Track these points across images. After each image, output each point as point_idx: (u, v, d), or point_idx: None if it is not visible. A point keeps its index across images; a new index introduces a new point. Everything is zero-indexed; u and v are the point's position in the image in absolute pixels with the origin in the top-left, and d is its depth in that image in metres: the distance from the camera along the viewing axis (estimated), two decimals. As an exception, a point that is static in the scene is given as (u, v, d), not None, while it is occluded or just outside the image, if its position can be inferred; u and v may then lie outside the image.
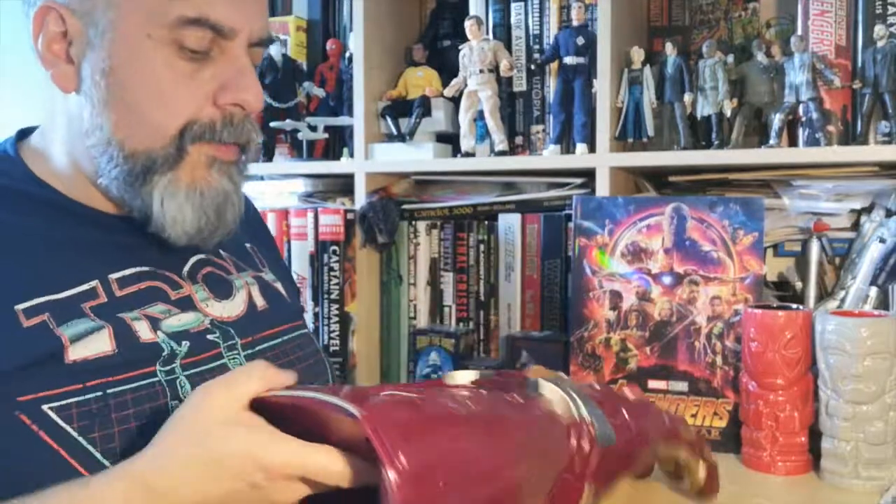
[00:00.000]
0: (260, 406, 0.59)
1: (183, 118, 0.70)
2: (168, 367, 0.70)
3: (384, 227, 1.42)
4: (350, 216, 1.42)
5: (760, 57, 1.23)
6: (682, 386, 1.06)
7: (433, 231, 1.45)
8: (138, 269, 0.73)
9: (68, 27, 0.70)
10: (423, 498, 0.50)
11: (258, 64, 0.76)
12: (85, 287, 0.69)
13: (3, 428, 0.61)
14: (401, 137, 1.43)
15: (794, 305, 0.99)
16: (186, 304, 0.75)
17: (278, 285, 0.88)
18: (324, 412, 0.55)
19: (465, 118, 1.38)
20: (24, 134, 0.79)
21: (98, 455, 0.63)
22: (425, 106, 1.42)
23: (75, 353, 0.65)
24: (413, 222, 1.46)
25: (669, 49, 1.28)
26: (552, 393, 0.67)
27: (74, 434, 0.63)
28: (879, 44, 1.15)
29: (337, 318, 1.40)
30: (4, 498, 0.57)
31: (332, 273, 1.40)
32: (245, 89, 0.72)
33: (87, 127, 0.71)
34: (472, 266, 1.43)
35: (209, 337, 0.74)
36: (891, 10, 1.17)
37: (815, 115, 1.17)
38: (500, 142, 1.36)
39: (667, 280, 1.08)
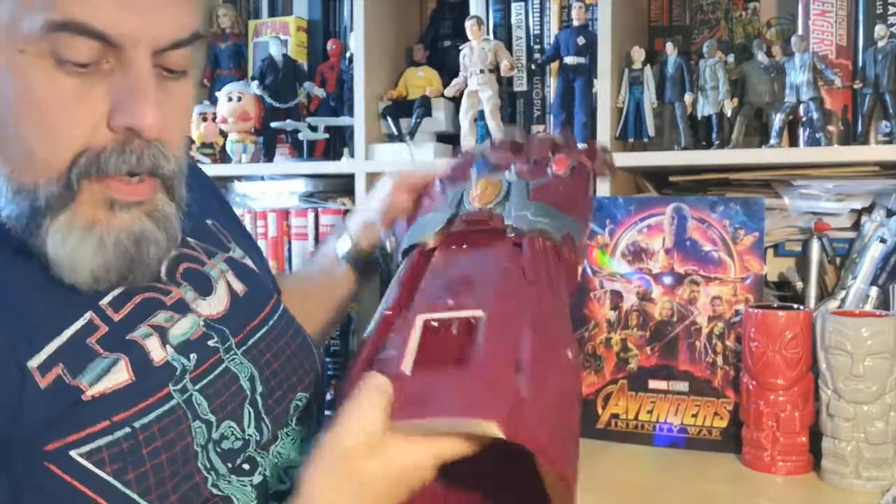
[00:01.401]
0: None
1: (73, 147, 0.59)
2: (180, 385, 0.66)
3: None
4: (351, 216, 1.42)
5: (761, 57, 1.23)
6: (683, 386, 1.06)
7: (434, 231, 1.45)
8: (120, 288, 0.67)
9: None
10: (563, 455, 0.52)
11: (183, 68, 0.65)
12: (81, 322, 0.63)
13: (35, 483, 0.58)
14: (401, 137, 1.43)
15: (795, 305, 0.99)
16: (182, 308, 0.71)
17: (248, 261, 0.82)
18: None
19: (465, 118, 1.38)
20: None
21: (136, 496, 0.60)
22: (426, 106, 1.42)
23: (94, 389, 0.61)
24: (414, 222, 1.46)
25: (670, 49, 1.28)
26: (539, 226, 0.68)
27: (110, 479, 0.59)
28: (880, 44, 1.15)
29: (337, 319, 1.40)
30: None
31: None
32: (137, 111, 0.59)
33: None
34: (473, 266, 1.42)
35: (209, 343, 0.71)
36: (891, 10, 1.17)
37: (815, 115, 1.17)
38: (500, 142, 1.36)
39: (667, 280, 1.08)
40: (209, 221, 0.82)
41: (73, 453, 0.58)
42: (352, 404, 0.55)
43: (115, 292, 0.67)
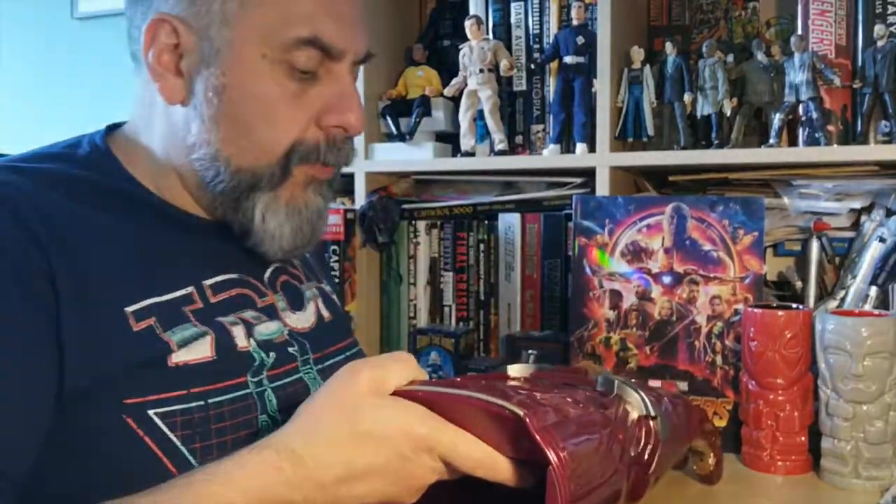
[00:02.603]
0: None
1: (290, 139, 0.71)
2: (257, 378, 0.70)
3: (384, 226, 1.42)
4: (350, 216, 1.42)
5: (760, 56, 1.23)
6: (683, 385, 1.06)
7: (433, 231, 1.45)
8: (228, 275, 0.74)
9: (181, 40, 0.70)
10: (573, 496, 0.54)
11: (356, 78, 0.78)
12: (183, 292, 0.69)
13: (110, 430, 0.61)
14: (401, 137, 1.43)
15: (795, 305, 0.99)
16: (271, 313, 0.76)
17: (335, 297, 0.89)
18: (460, 409, 0.58)
19: (465, 118, 1.38)
20: (111, 130, 0.79)
21: (196, 466, 0.62)
22: (425, 105, 1.42)
23: (179, 357, 0.65)
24: (413, 222, 1.46)
25: (669, 49, 1.28)
26: (629, 395, 0.70)
27: (177, 442, 0.63)
28: (879, 43, 1.15)
29: (337, 318, 1.41)
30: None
31: (332, 273, 1.40)
32: (348, 111, 0.73)
33: (194, 141, 0.71)
34: (472, 266, 1.43)
35: (289, 350, 0.75)
36: (891, 9, 1.17)
37: (815, 115, 1.17)
38: (499, 141, 1.36)
39: (667, 280, 1.08)
40: (307, 255, 0.89)
41: (150, 411, 0.63)
42: (380, 357, 0.62)
43: (219, 278, 0.73)
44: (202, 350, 0.67)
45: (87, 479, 0.61)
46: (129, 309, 0.65)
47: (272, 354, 0.72)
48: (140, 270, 0.68)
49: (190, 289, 0.70)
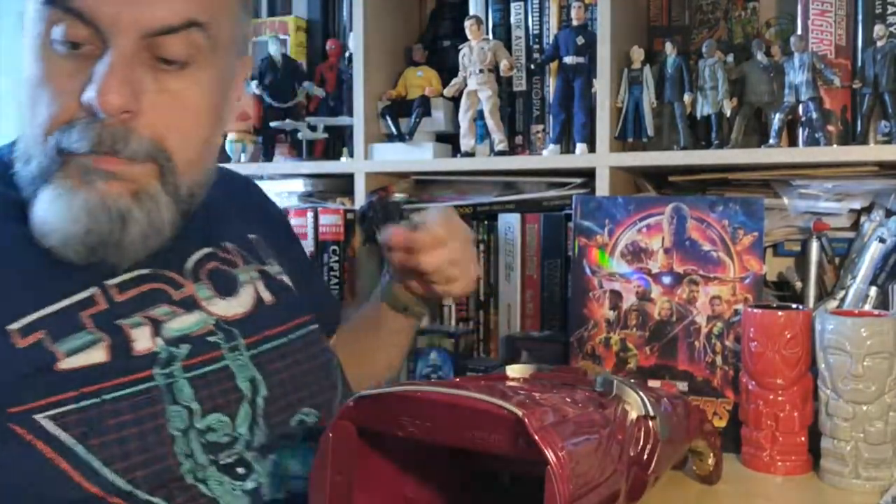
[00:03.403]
0: (378, 399, 0.60)
1: (47, 122, 0.64)
2: (167, 370, 0.68)
3: (384, 226, 1.41)
4: (350, 216, 1.42)
5: (760, 57, 1.23)
6: (682, 386, 1.06)
7: (433, 231, 1.45)
8: (137, 272, 0.71)
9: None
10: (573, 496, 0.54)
11: (182, 59, 0.67)
12: (83, 295, 0.67)
13: None
14: (401, 137, 1.43)
15: (794, 305, 0.99)
16: (190, 305, 0.73)
17: (284, 277, 0.86)
18: (460, 409, 0.58)
19: (464, 118, 1.38)
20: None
21: (98, 464, 0.61)
22: (425, 106, 1.42)
23: (68, 363, 0.63)
24: (413, 222, 1.46)
25: (669, 49, 1.28)
26: (629, 395, 0.70)
27: (71, 442, 0.61)
28: (879, 43, 1.15)
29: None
30: None
31: (331, 273, 1.40)
32: (99, 90, 0.62)
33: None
34: (472, 266, 1.43)
35: (210, 339, 0.73)
36: (891, 9, 1.17)
37: (814, 115, 1.17)
38: (499, 142, 1.36)
39: (667, 280, 1.08)
40: (252, 236, 0.86)
41: (38, 416, 0.61)
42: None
43: (129, 276, 0.70)
44: (95, 355, 0.65)
45: None
46: (13, 326, 0.62)
47: (185, 346, 0.70)
48: (33, 280, 0.66)
49: (92, 290, 0.67)
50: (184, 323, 0.71)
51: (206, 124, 0.72)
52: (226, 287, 0.78)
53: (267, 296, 0.81)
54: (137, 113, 0.65)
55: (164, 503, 0.64)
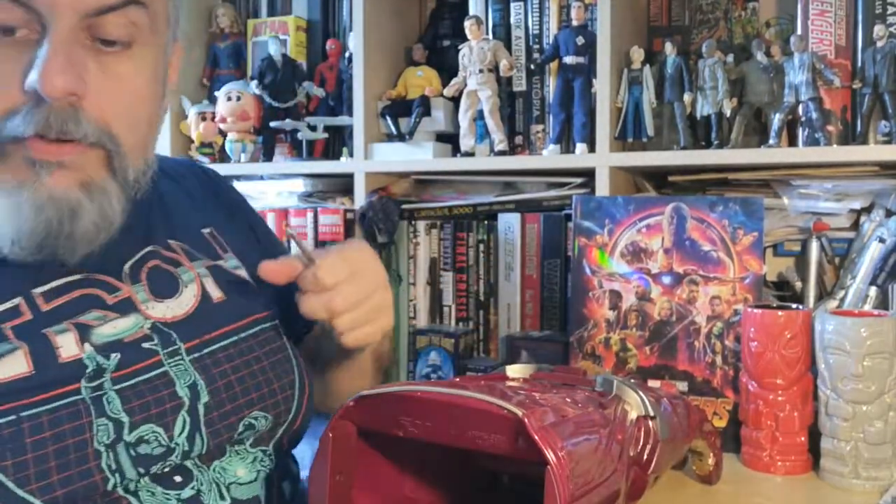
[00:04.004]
0: (377, 400, 0.60)
1: None
2: (95, 383, 0.65)
3: (384, 226, 1.42)
4: (350, 216, 1.42)
5: (760, 57, 1.23)
6: (682, 386, 1.06)
7: (433, 231, 1.45)
8: (67, 279, 0.68)
9: None
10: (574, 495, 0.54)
11: (124, 39, 0.64)
12: (6, 306, 0.64)
13: None
14: (400, 137, 1.43)
15: (794, 305, 0.99)
16: (125, 308, 0.70)
17: (241, 272, 0.81)
18: (460, 409, 0.58)
19: (464, 118, 1.38)
20: None
21: (10, 484, 0.59)
22: (425, 106, 1.42)
23: None
24: (413, 222, 1.46)
25: (669, 49, 1.28)
26: (628, 395, 0.70)
27: None
28: (879, 44, 1.15)
29: (337, 318, 1.40)
30: None
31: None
32: (42, 73, 0.59)
33: None
34: (472, 266, 1.43)
35: (145, 345, 0.69)
36: (890, 9, 1.17)
37: (814, 115, 1.17)
38: (499, 141, 1.36)
39: (666, 280, 1.08)
40: (206, 230, 0.82)
41: None
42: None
43: (57, 283, 0.67)
44: (15, 367, 0.62)
45: None
46: None
47: (115, 356, 0.66)
48: None
49: (16, 301, 0.65)
50: (115, 328, 0.68)
51: (150, 107, 0.69)
52: (166, 288, 0.74)
53: (216, 293, 0.77)
54: (83, 96, 0.62)
55: None
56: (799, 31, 1.21)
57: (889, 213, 1.16)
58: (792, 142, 1.24)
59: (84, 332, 0.66)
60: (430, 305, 1.46)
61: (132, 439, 0.64)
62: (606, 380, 0.72)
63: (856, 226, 1.21)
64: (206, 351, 0.72)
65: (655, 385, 1.05)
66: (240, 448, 0.72)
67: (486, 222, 1.42)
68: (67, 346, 0.65)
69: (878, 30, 1.15)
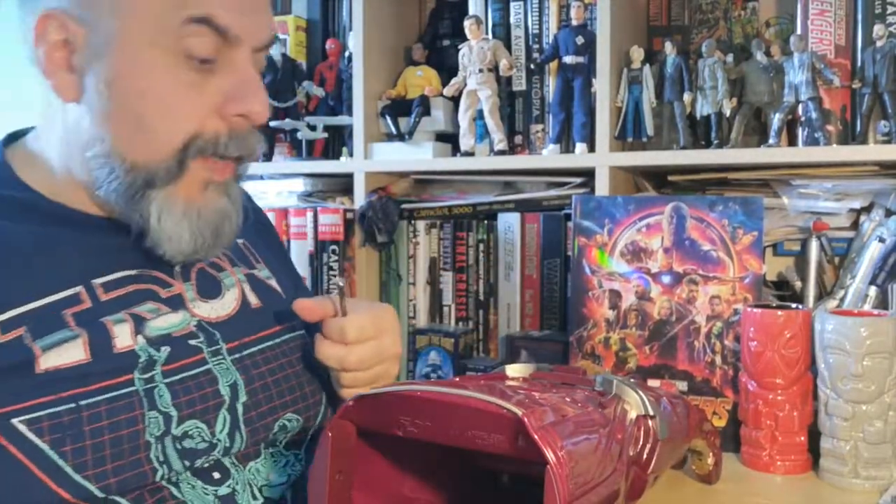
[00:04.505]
0: (376, 400, 0.60)
1: (187, 131, 0.68)
2: (147, 375, 0.67)
3: (383, 226, 1.42)
4: (349, 216, 1.42)
5: (760, 56, 1.23)
6: (682, 385, 1.06)
7: (432, 230, 1.45)
8: (124, 272, 0.71)
9: (69, 35, 0.67)
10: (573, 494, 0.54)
11: (262, 68, 0.74)
12: (68, 293, 0.67)
13: None
14: (400, 137, 1.43)
15: (794, 305, 0.99)
16: (176, 304, 0.73)
17: (273, 282, 0.86)
18: (460, 408, 0.58)
19: (464, 117, 1.38)
20: (13, 137, 0.77)
21: (69, 469, 0.61)
22: (425, 105, 1.42)
23: (47, 362, 0.63)
24: (412, 222, 1.46)
25: (669, 48, 1.28)
26: (628, 394, 0.70)
27: (45, 448, 0.61)
28: (879, 43, 1.15)
29: (336, 318, 1.40)
30: None
31: (331, 272, 1.40)
32: (252, 99, 0.69)
33: (87, 138, 0.68)
34: (472, 266, 1.43)
35: (191, 342, 0.72)
36: (890, 9, 1.17)
37: (814, 115, 1.17)
38: (499, 141, 1.36)
39: (666, 279, 1.08)
40: (240, 241, 0.86)
41: (14, 420, 0.61)
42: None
43: (114, 276, 0.70)
44: (74, 354, 0.64)
45: None
46: None
47: (165, 349, 0.70)
48: (18, 275, 0.66)
49: (77, 289, 0.68)
50: (167, 322, 0.71)
51: None
52: (210, 289, 0.77)
53: (253, 299, 0.81)
54: None
55: None
56: (799, 31, 1.21)
57: (889, 213, 1.16)
58: (792, 141, 1.24)
59: (139, 324, 0.69)
60: (430, 305, 1.46)
61: (178, 433, 0.67)
62: (606, 379, 0.72)
63: (855, 225, 1.21)
64: (245, 353, 0.76)
65: (655, 384, 1.05)
66: (274, 450, 0.76)
67: (485, 222, 1.42)
68: (122, 336, 0.68)
69: (878, 29, 1.15)
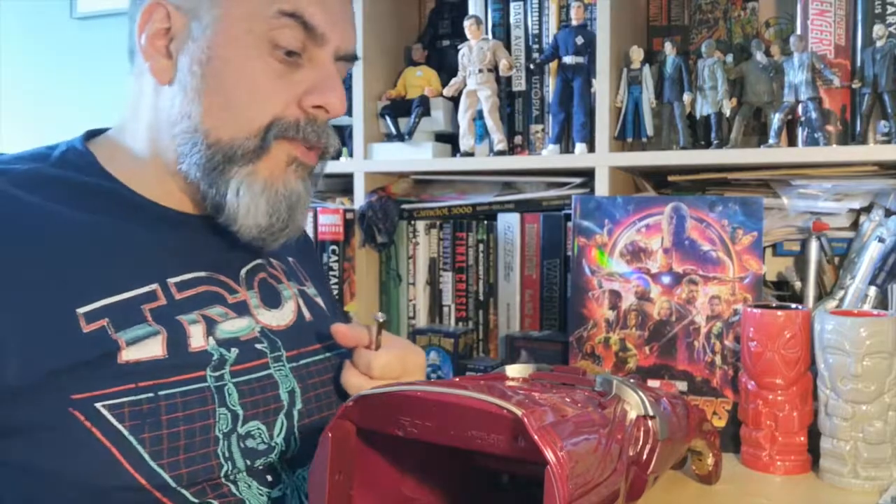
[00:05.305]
0: (379, 400, 0.61)
1: (271, 113, 0.73)
2: (218, 373, 0.70)
3: (383, 226, 1.42)
4: (349, 216, 1.42)
5: (760, 56, 1.23)
6: (682, 385, 1.06)
7: (432, 231, 1.45)
8: (196, 273, 0.74)
9: (173, 23, 0.73)
10: (573, 494, 0.54)
11: (344, 78, 0.79)
12: (145, 289, 0.70)
13: (58, 425, 0.62)
14: (400, 137, 1.43)
15: (794, 305, 0.99)
16: (241, 309, 0.76)
17: (319, 300, 0.89)
18: (459, 408, 0.58)
19: (464, 118, 1.38)
20: (93, 135, 0.80)
21: (146, 456, 0.63)
22: (424, 105, 1.42)
23: (129, 355, 0.66)
24: (412, 222, 1.46)
25: (669, 48, 1.28)
26: (628, 395, 0.70)
27: (126, 433, 0.63)
28: (878, 43, 1.16)
29: (336, 318, 1.40)
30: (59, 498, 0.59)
31: (331, 273, 1.40)
32: (331, 92, 0.74)
33: (176, 115, 0.72)
34: (472, 266, 1.43)
35: (257, 346, 0.75)
36: (890, 9, 1.17)
37: (814, 115, 1.17)
38: (499, 141, 1.36)
39: (666, 280, 1.08)
40: (290, 259, 0.90)
41: (98, 405, 0.63)
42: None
43: (186, 276, 0.73)
44: (153, 349, 0.67)
45: (30, 479, 0.62)
46: (82, 310, 0.65)
47: (234, 351, 0.72)
48: (102, 267, 0.68)
49: (154, 286, 0.70)
50: (235, 326, 0.74)
51: None
52: (272, 298, 0.81)
53: (307, 313, 0.84)
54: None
55: (197, 500, 0.66)
56: (798, 31, 1.21)
57: (888, 213, 1.16)
58: (791, 142, 1.24)
59: (210, 326, 0.72)
60: (430, 305, 1.46)
61: (243, 432, 0.70)
62: (606, 379, 0.72)
63: (855, 226, 1.21)
64: (301, 362, 0.79)
65: (655, 385, 1.05)
66: None
67: (485, 222, 1.42)
68: (196, 336, 0.71)
69: (878, 29, 1.16)
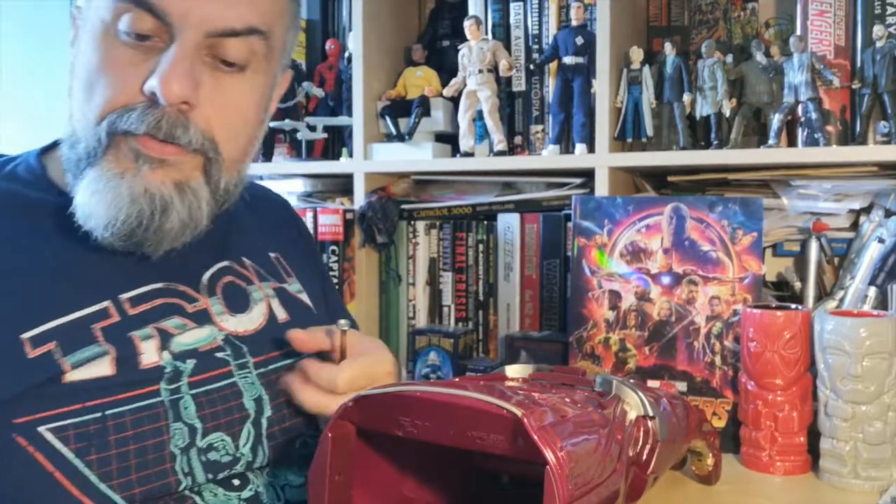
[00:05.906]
0: (379, 400, 0.60)
1: (105, 105, 0.66)
2: (173, 386, 0.68)
3: (383, 226, 1.42)
4: (349, 216, 1.42)
5: (759, 57, 1.23)
6: (682, 386, 1.06)
7: (432, 231, 1.45)
8: (151, 286, 0.71)
9: (77, 24, 0.71)
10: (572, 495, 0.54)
11: (240, 62, 0.70)
12: (96, 308, 0.67)
13: (0, 452, 0.60)
14: (400, 137, 1.43)
15: (793, 305, 0.99)
16: (202, 318, 0.73)
17: (304, 296, 0.85)
18: (459, 409, 0.58)
19: (464, 118, 1.38)
20: (55, 145, 0.77)
21: (94, 478, 0.62)
22: (424, 106, 1.42)
23: (74, 375, 0.64)
24: (412, 222, 1.46)
25: (668, 49, 1.28)
26: (628, 395, 0.70)
27: (71, 456, 0.61)
28: (878, 44, 1.16)
29: (336, 318, 1.40)
30: None
31: (331, 273, 1.40)
32: (163, 78, 0.65)
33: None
34: (471, 266, 1.43)
35: (218, 355, 0.72)
36: (890, 10, 1.17)
37: (814, 115, 1.17)
38: (499, 142, 1.36)
39: (666, 280, 1.08)
40: (273, 254, 0.86)
41: (41, 428, 0.61)
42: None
43: (140, 290, 0.70)
44: (100, 369, 0.65)
45: None
46: (27, 335, 0.63)
47: (190, 362, 0.70)
48: (48, 289, 0.66)
49: (105, 303, 0.68)
50: (193, 337, 0.71)
51: (252, 127, 0.75)
52: (238, 303, 0.77)
53: (281, 314, 0.81)
54: (194, 105, 0.67)
55: None
56: (798, 32, 1.21)
57: (888, 214, 1.16)
58: (791, 142, 1.24)
59: (165, 340, 0.69)
60: (430, 305, 1.46)
61: (203, 445, 0.67)
62: (605, 380, 0.72)
63: (855, 226, 1.21)
64: (271, 367, 0.76)
65: (655, 385, 1.05)
66: (293, 464, 0.75)
67: (485, 222, 1.42)
68: (149, 352, 0.68)
69: (878, 30, 1.16)
